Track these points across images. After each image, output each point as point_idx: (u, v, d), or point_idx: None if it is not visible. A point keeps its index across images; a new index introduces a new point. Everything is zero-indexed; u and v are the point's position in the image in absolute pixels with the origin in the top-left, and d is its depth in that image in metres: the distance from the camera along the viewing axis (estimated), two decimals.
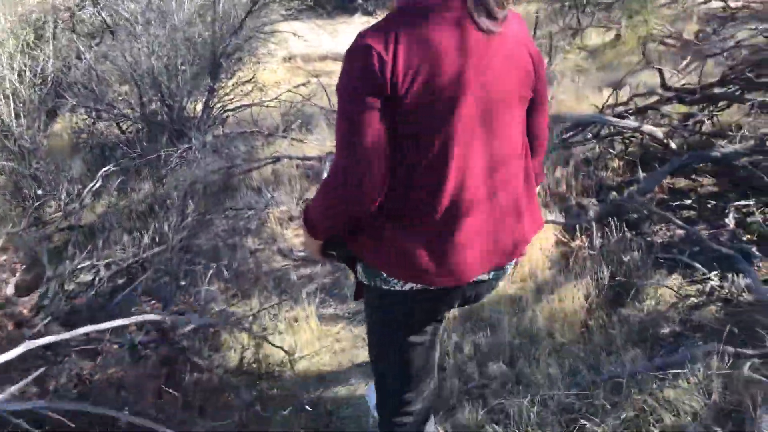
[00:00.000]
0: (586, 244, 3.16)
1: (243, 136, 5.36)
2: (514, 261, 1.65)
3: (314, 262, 3.80)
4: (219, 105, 5.47)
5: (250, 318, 3.06)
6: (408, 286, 1.54)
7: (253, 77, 5.71)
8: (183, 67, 4.87)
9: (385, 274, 1.54)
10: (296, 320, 3.25)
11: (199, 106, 5.44)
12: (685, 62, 4.87)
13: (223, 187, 4.70)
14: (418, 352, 1.70)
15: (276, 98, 5.67)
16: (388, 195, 1.45)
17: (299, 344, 3.07)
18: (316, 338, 3.13)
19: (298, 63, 9.23)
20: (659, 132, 3.42)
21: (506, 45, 1.44)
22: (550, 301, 2.89)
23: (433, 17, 1.38)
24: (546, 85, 1.62)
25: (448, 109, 1.40)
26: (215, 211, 4.27)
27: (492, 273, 1.61)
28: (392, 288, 1.56)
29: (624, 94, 4.46)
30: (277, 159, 4.80)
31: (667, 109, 3.96)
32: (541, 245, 3.31)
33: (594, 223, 3.22)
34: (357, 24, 11.91)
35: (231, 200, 4.55)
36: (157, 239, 3.67)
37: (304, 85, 5.83)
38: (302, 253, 3.90)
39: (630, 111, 4.08)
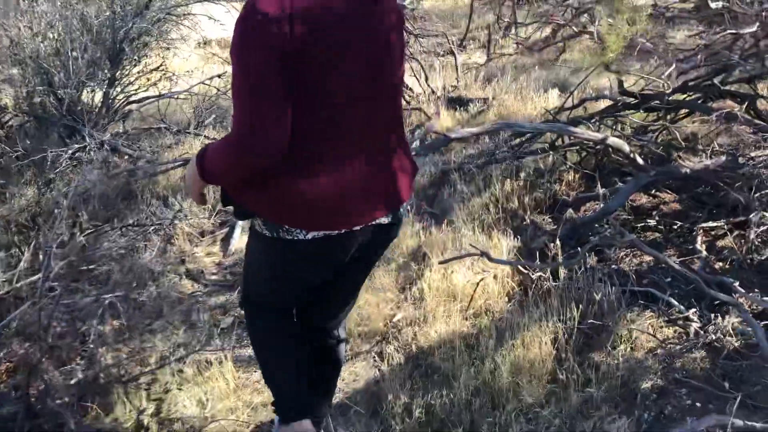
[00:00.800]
0: (548, 275, 2.75)
1: (148, 134, 4.69)
2: (404, 204, 1.74)
3: (230, 288, 3.25)
4: (121, 96, 4.77)
5: (148, 372, 2.47)
6: (311, 235, 1.60)
7: (161, 65, 5.01)
8: (75, 53, 4.15)
9: (287, 226, 1.60)
10: (208, 363, 2.69)
11: (98, 98, 4.72)
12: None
13: (123, 195, 4.04)
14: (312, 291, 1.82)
15: (187, 90, 5.01)
16: (288, 148, 1.49)
17: (211, 399, 2.52)
18: (232, 390, 2.58)
19: (214, 50, 8.50)
20: (626, 146, 3.04)
21: (390, 11, 1.57)
22: (513, 347, 2.45)
23: None
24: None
25: (337, 65, 1.49)
26: (111, 226, 3.62)
27: (389, 217, 1.70)
28: (295, 237, 1.61)
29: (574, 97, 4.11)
30: (187, 162, 4.17)
31: (625, 117, 3.61)
32: (496, 274, 2.88)
33: (556, 247, 2.81)
34: None
35: (131, 212, 3.90)
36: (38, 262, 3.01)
37: (219, 76, 5.19)
38: (214, 276, 3.33)
39: (584, 118, 3.71)
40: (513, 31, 7.58)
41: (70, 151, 4.00)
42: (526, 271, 2.79)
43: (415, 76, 5.34)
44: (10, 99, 4.46)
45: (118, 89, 4.80)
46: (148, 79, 5.10)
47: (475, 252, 2.56)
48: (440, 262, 2.85)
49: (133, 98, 4.92)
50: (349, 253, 1.72)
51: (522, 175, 3.67)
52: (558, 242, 2.84)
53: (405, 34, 1.75)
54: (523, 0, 7.98)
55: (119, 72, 4.61)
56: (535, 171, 3.71)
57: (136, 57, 4.83)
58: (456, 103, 5.12)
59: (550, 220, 3.46)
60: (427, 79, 5.32)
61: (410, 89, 5.22)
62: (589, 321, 2.49)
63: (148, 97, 4.99)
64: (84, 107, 4.44)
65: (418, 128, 4.77)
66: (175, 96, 5.08)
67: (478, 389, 2.29)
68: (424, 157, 3.97)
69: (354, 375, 2.60)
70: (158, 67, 5.09)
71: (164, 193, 4.06)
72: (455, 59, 5.56)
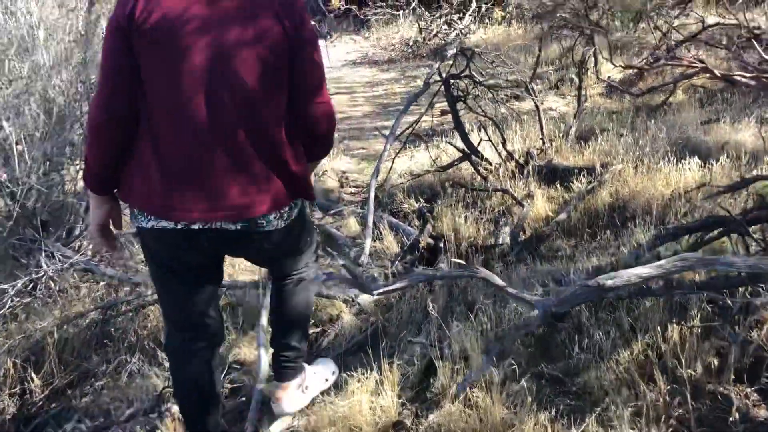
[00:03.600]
0: None
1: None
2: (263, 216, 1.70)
3: None
4: None
5: None
6: (149, 224, 1.67)
7: None
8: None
9: (135, 210, 1.69)
10: None
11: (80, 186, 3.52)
12: None
13: (95, 341, 2.82)
14: (172, 290, 1.85)
15: None
16: (135, 136, 1.63)
17: None
18: None
19: None
20: None
21: (242, 7, 1.58)
22: None
23: None
24: (313, 69, 1.68)
25: (175, 55, 1.56)
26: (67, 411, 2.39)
27: (237, 225, 1.68)
28: (139, 225, 1.70)
29: None
30: None
31: None
32: None
33: None
34: None
35: (105, 374, 2.67)
36: None
37: None
38: None
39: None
40: (594, 65, 6.26)
41: (20, 283, 2.79)
42: None
43: (488, 138, 4.06)
44: None
45: None
46: None
47: None
48: None
49: None
50: (200, 252, 1.74)
51: (695, 314, 2.32)
52: None
53: (309, 56, 1.63)
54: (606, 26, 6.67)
55: None
56: (716, 308, 2.37)
57: None
58: (550, 175, 3.82)
59: (758, 398, 2.11)
60: (504, 142, 4.03)
61: (485, 159, 3.94)
62: None
63: None
64: (50, 205, 3.24)
65: (503, 216, 3.47)
66: None
67: None
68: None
69: None
70: None
71: (152, 344, 2.82)
72: (538, 112, 4.25)
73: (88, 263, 3.04)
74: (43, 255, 2.81)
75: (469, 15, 10.13)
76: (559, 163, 3.96)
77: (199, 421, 1.95)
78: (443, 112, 4.75)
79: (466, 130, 4.07)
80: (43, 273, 2.80)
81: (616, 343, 2.39)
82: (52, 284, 2.85)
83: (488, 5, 10.42)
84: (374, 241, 3.37)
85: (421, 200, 3.87)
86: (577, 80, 6.31)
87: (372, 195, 3.53)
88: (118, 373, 2.70)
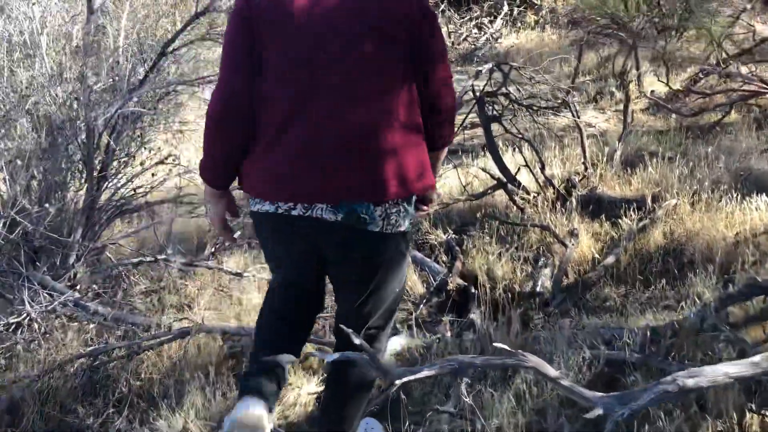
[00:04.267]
0: None
1: (142, 269, 3.16)
2: (370, 207, 1.64)
3: None
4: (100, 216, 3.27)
5: None
6: (256, 207, 1.70)
7: (164, 158, 3.52)
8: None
9: (251, 195, 1.72)
10: None
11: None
12: None
13: (82, 392, 2.51)
14: (279, 290, 1.87)
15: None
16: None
17: None
18: None
19: None
20: None
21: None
22: None
23: None
24: (437, 43, 1.70)
25: (296, 39, 1.59)
26: None
27: (338, 214, 1.62)
28: (252, 208, 1.72)
29: None
30: (186, 333, 2.62)
31: None
32: None
33: None
34: None
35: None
36: None
37: None
38: None
39: None
40: (636, 78, 5.83)
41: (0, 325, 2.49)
42: None
43: (525, 163, 3.68)
44: None
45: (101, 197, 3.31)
46: (152, 175, 3.62)
47: None
48: None
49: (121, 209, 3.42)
50: (302, 239, 1.70)
51: None
52: None
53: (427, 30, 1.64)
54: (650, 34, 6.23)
55: (93, 180, 3.11)
56: None
57: (124, 153, 3.35)
58: (594, 207, 3.44)
59: None
60: (543, 167, 3.65)
61: (522, 187, 3.57)
62: None
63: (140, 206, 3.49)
64: (44, 230, 2.94)
65: (543, 256, 3.10)
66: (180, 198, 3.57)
67: None
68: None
69: None
70: (163, 161, 3.60)
71: (146, 390, 2.51)
72: (580, 133, 3.86)
73: (78, 301, 2.73)
74: (27, 294, 2.50)
75: (501, 19, 9.73)
76: (604, 194, 3.57)
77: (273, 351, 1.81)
78: (473, 125, 4.38)
79: (500, 151, 3.70)
80: (25, 315, 2.49)
81: (680, 428, 2.02)
82: (36, 326, 2.54)
83: (520, 9, 10.00)
84: None
85: (449, 230, 3.51)
86: (618, 94, 5.93)
87: None
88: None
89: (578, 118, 3.89)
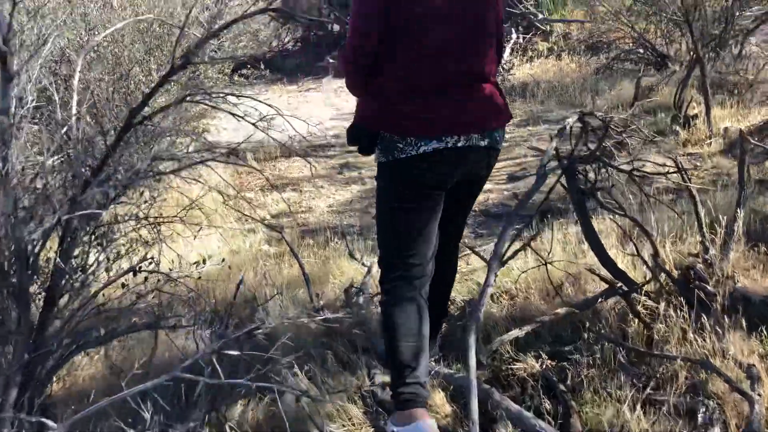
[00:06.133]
0: None
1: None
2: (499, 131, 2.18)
3: None
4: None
5: None
6: (421, 150, 2.02)
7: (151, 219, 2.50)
8: None
9: (401, 144, 2.04)
10: None
11: None
12: None
13: None
14: (423, 217, 2.16)
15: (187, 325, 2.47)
16: (395, 77, 2.06)
17: None
18: None
19: (250, 163, 6.08)
20: None
21: None
22: None
23: None
24: (501, 14, 2.20)
25: (423, 15, 2.01)
26: None
27: (485, 140, 2.11)
28: (407, 155, 2.03)
29: None
30: None
31: None
32: None
33: None
34: (330, 91, 8.84)
35: None
36: None
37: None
38: None
39: None
40: (705, 113, 4.88)
41: None
42: None
43: (636, 251, 2.68)
44: None
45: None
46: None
47: None
48: None
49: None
50: (458, 169, 2.11)
51: None
52: None
53: None
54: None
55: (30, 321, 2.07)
56: None
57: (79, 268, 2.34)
58: (742, 310, 2.44)
59: None
60: (656, 254, 2.65)
61: (643, 290, 2.56)
62: None
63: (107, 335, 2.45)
64: None
65: (703, 407, 2.08)
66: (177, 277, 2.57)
67: None
68: None
69: None
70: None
71: None
72: (693, 201, 2.87)
73: None
74: None
75: (510, 47, 8.85)
76: (748, 290, 2.58)
77: (414, 365, 2.10)
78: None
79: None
80: None
81: None
82: None
83: (527, 36, 9.14)
84: None
85: (543, 355, 2.50)
86: (683, 133, 4.98)
87: (473, 358, 2.13)
88: None
89: (689, 181, 2.91)
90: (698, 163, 4.45)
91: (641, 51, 7.59)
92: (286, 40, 10.32)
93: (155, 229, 2.92)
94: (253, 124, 2.23)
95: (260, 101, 2.22)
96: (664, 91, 6.01)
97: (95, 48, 4.59)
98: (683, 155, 4.61)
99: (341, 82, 9.39)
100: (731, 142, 4.61)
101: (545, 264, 2.63)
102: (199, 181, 3.36)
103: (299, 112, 7.54)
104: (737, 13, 6.50)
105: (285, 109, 7.50)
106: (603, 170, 2.81)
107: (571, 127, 2.84)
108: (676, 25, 7.05)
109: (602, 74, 7.42)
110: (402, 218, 2.15)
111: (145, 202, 2.86)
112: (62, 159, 2.44)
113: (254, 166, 5.79)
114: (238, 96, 2.46)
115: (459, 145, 2.03)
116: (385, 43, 2.02)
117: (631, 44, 7.88)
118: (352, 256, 3.18)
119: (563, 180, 2.69)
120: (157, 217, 2.76)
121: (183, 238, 3.26)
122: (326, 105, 8.23)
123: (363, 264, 3.23)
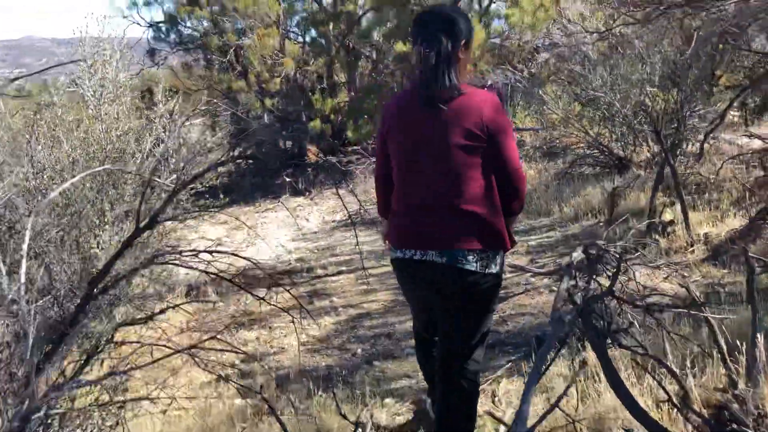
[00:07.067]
0: None
1: None
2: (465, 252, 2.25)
3: None
4: None
5: None
6: (392, 255, 2.40)
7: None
8: None
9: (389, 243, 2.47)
10: None
11: None
12: None
13: None
14: (419, 319, 2.64)
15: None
16: (395, 197, 2.41)
17: None
18: None
19: (208, 294, 5.71)
20: None
21: (448, 114, 2.23)
22: None
23: (404, 100, 2.40)
24: (502, 148, 2.25)
25: (402, 152, 2.34)
26: None
27: (443, 258, 2.24)
28: (392, 255, 2.41)
29: None
30: None
31: None
32: None
33: None
34: (290, 209, 8.60)
35: None
36: None
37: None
38: None
39: None
40: (683, 220, 4.80)
41: None
42: None
43: (668, 396, 2.42)
44: None
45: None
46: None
47: None
48: None
49: None
50: (416, 279, 2.36)
51: None
52: None
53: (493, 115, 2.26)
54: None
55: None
56: None
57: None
58: None
59: None
60: (686, 397, 2.40)
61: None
62: None
63: None
64: None
65: None
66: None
67: None
68: None
69: None
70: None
71: None
72: (713, 334, 2.64)
73: None
74: None
75: None
76: None
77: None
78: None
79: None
80: None
81: None
82: None
83: None
84: None
85: None
86: (663, 242, 4.88)
87: None
88: None
89: (705, 309, 2.71)
90: (686, 274, 4.30)
91: (597, 153, 7.68)
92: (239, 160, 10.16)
93: (120, 410, 2.55)
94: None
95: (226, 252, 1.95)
96: (631, 196, 5.98)
97: (43, 190, 4.28)
98: (669, 266, 4.46)
99: (300, 200, 9.22)
100: (714, 248, 4.51)
101: (573, 423, 2.34)
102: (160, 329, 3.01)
103: (259, 233, 7.25)
104: (687, 113, 6.68)
105: (243, 233, 7.15)
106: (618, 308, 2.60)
107: (575, 263, 2.63)
108: (630, 128, 7.19)
109: (563, 180, 7.42)
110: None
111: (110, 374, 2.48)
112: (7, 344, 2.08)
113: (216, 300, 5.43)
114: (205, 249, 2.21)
115: (415, 258, 2.27)
116: (393, 168, 2.39)
117: (586, 149, 7.97)
118: (342, 415, 2.81)
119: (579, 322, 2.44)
120: (123, 401, 2.39)
121: (151, 414, 2.84)
122: (285, 225, 7.99)
123: (357, 424, 2.85)
